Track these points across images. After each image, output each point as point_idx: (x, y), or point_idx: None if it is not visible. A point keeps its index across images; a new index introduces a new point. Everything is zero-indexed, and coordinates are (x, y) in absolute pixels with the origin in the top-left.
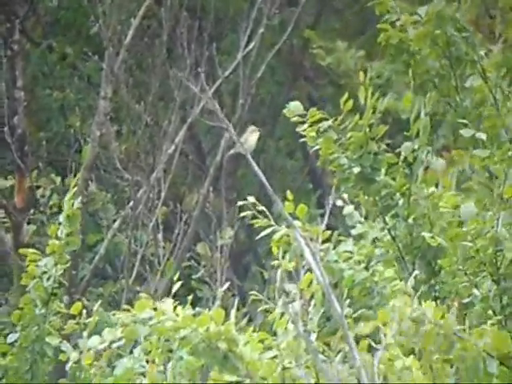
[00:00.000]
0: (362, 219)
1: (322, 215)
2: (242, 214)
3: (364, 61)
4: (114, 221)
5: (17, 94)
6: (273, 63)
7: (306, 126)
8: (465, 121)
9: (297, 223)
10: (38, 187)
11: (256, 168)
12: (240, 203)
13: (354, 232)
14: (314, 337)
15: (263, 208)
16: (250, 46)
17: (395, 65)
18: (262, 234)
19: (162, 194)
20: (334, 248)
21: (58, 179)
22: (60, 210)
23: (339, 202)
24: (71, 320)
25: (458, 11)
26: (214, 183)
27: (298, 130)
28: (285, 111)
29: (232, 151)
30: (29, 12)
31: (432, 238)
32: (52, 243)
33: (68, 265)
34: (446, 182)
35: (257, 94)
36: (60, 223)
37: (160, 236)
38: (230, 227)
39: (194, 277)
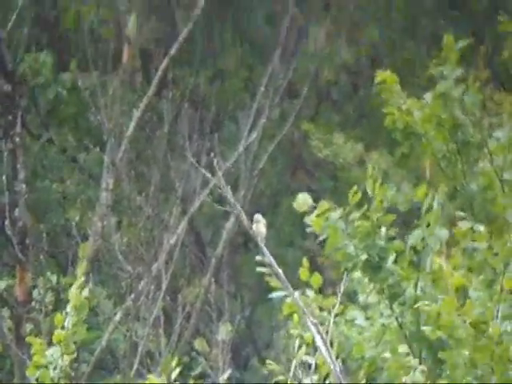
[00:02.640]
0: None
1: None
2: (259, 270)
3: (362, 153)
4: (114, 314)
5: (17, 187)
6: (273, 155)
7: (313, 216)
8: (462, 214)
9: (310, 293)
10: (35, 286)
11: (270, 257)
12: (257, 258)
13: (362, 300)
14: None
15: (279, 270)
16: (252, 137)
17: (393, 157)
18: (274, 295)
19: (163, 286)
20: (341, 314)
21: (54, 278)
22: (55, 309)
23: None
24: None
25: (465, 93)
26: (215, 275)
27: (305, 220)
28: (294, 204)
29: (256, 238)
30: (29, 104)
31: (433, 331)
32: (58, 333)
33: (75, 355)
34: (454, 260)
35: (257, 185)
36: (67, 313)
37: (160, 329)
38: (230, 321)
39: (193, 373)
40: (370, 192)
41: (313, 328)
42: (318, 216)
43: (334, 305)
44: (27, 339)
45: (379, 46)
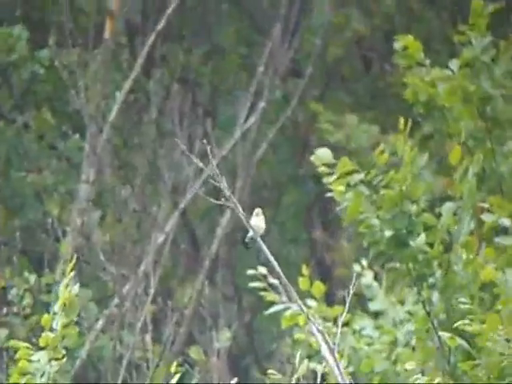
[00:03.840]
0: (381, 292)
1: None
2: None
3: (378, 136)
4: (97, 320)
5: None
6: (275, 140)
7: (333, 177)
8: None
9: (312, 303)
10: (8, 288)
11: (269, 255)
12: (250, 272)
13: (372, 307)
14: None
15: (274, 281)
16: (250, 122)
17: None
18: (273, 309)
19: (151, 290)
20: (347, 324)
21: (33, 278)
22: (33, 313)
23: (357, 268)
24: None
25: (495, 63)
26: (210, 276)
27: (325, 181)
28: (312, 158)
29: (249, 236)
30: (2, 85)
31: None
32: (46, 336)
33: (64, 360)
34: (488, 252)
35: (257, 174)
36: (54, 313)
37: (148, 337)
38: (228, 327)
39: None
40: (399, 154)
41: (319, 337)
42: (338, 178)
43: (340, 313)
44: (9, 343)
45: (395, 16)
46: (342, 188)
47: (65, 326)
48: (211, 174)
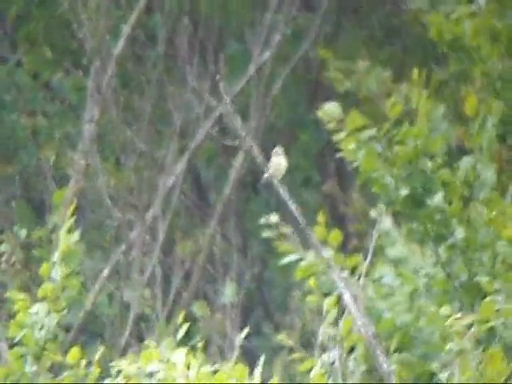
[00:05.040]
0: (402, 240)
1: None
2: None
3: (390, 83)
4: (100, 271)
5: None
6: (287, 81)
7: (343, 134)
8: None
9: (329, 252)
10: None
11: (287, 197)
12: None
13: (391, 253)
14: None
15: (289, 229)
16: (265, 56)
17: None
18: (287, 260)
19: (160, 236)
20: (367, 275)
21: (24, 232)
22: (24, 267)
23: (373, 214)
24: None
25: None
26: (220, 225)
27: (334, 138)
28: (319, 114)
29: (266, 175)
30: None
31: (489, 282)
32: (45, 287)
33: (65, 312)
34: (509, 208)
35: (270, 115)
36: (54, 263)
37: (157, 288)
38: (237, 281)
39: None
40: (414, 105)
41: (341, 283)
42: (348, 134)
43: (358, 263)
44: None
45: None
46: (352, 146)
47: (66, 277)
48: (224, 111)
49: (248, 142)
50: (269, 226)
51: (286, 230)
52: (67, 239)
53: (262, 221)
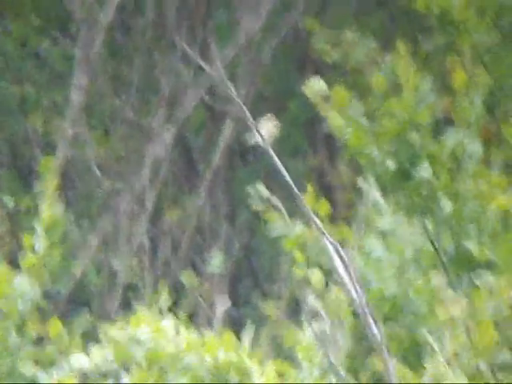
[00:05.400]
0: (390, 211)
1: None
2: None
3: (376, 53)
4: (82, 246)
5: None
6: (276, 50)
7: (330, 110)
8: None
9: (318, 222)
10: None
11: (279, 164)
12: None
13: (380, 226)
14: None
15: (277, 200)
16: (254, 27)
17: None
18: (275, 232)
19: (149, 206)
20: (356, 246)
21: (11, 201)
22: (12, 237)
23: (361, 183)
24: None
25: None
26: (208, 194)
27: (321, 113)
28: (303, 88)
29: (253, 141)
30: None
31: (481, 251)
32: (28, 257)
33: (48, 283)
34: (496, 180)
35: (259, 85)
36: (36, 234)
37: (146, 257)
38: (226, 250)
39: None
40: (401, 79)
41: (332, 249)
42: (335, 110)
43: (347, 234)
44: None
45: None
46: (339, 121)
47: (49, 248)
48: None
49: (239, 107)
50: (256, 197)
51: (274, 200)
52: (50, 210)
53: (250, 191)
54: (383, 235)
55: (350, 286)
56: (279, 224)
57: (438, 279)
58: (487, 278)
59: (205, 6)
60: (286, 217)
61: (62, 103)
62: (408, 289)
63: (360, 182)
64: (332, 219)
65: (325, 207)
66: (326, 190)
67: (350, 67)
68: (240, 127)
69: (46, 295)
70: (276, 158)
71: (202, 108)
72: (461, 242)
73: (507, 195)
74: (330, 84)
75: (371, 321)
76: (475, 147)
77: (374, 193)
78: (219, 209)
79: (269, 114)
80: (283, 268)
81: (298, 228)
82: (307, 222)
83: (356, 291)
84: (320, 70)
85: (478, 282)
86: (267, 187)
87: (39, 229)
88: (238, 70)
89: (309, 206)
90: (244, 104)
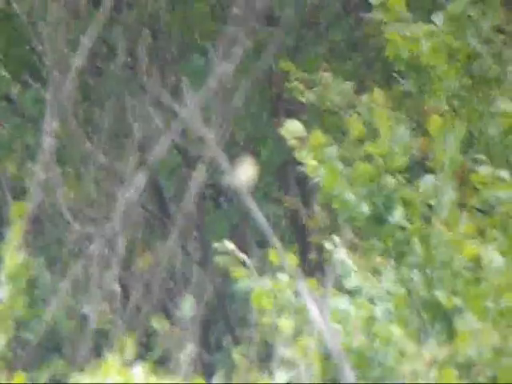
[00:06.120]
0: (355, 269)
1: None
2: (218, 261)
3: (352, 95)
4: (53, 291)
5: None
6: (249, 94)
7: (305, 152)
8: (483, 156)
9: (284, 276)
10: None
11: (256, 210)
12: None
13: (347, 284)
14: None
15: (243, 255)
16: (227, 68)
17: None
18: (241, 285)
19: (120, 250)
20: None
21: None
22: None
23: (328, 246)
24: None
25: (484, 16)
26: (180, 238)
27: (296, 156)
28: (282, 131)
29: (231, 183)
30: None
31: (448, 298)
32: None
33: (12, 334)
34: (468, 227)
35: (231, 129)
36: (0, 282)
37: (116, 303)
38: (198, 294)
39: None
40: (378, 125)
41: (306, 295)
42: (310, 152)
43: (314, 288)
44: None
45: None
46: (314, 163)
47: (12, 297)
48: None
49: (213, 150)
50: (223, 252)
51: (241, 255)
52: (14, 258)
53: (216, 246)
54: (351, 294)
55: (323, 329)
56: (245, 280)
57: (402, 331)
58: (467, 323)
59: (177, 49)
60: (253, 271)
61: (33, 147)
62: (375, 340)
63: (327, 244)
64: (305, 260)
65: (293, 260)
66: (300, 234)
67: (324, 109)
68: (212, 171)
69: (16, 342)
70: (253, 202)
71: (174, 152)
72: (433, 287)
73: (477, 242)
74: (306, 124)
75: (345, 365)
76: (448, 194)
77: (340, 254)
78: (191, 253)
79: (245, 157)
80: (255, 313)
81: (266, 282)
82: (276, 272)
83: (330, 334)
84: (293, 113)
85: (458, 326)
86: (240, 232)
87: (2, 277)
88: (210, 114)
89: (274, 260)
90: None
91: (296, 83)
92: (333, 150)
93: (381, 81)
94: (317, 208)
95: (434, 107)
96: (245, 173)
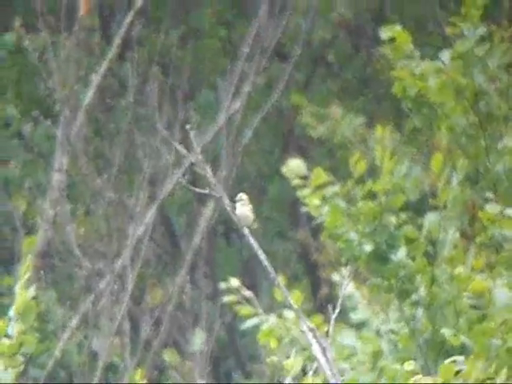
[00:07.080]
0: (364, 302)
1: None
2: (226, 300)
3: (363, 129)
4: (69, 319)
5: None
6: (259, 130)
7: (308, 191)
8: (490, 194)
9: (290, 313)
10: None
11: (257, 248)
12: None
13: (354, 317)
14: None
15: (250, 293)
16: (236, 106)
17: (400, 133)
18: (248, 323)
19: (129, 285)
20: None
21: None
22: None
23: (336, 278)
24: None
25: (489, 55)
26: (190, 273)
27: (299, 195)
28: (283, 171)
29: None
30: None
31: (454, 335)
32: (2, 343)
33: (22, 369)
34: (476, 263)
35: (241, 165)
36: (10, 319)
37: (126, 337)
38: (208, 329)
39: None
40: (378, 163)
41: (309, 335)
42: (313, 191)
43: (321, 324)
44: None
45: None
46: (317, 202)
47: (22, 333)
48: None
49: (218, 191)
50: (229, 290)
51: (247, 293)
52: (23, 294)
53: (222, 285)
54: (357, 327)
55: (327, 371)
56: (251, 318)
57: (411, 366)
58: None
59: (187, 86)
60: (259, 309)
61: (44, 183)
62: (382, 377)
63: (335, 276)
64: (316, 295)
65: (298, 298)
66: (311, 268)
67: (335, 143)
68: (223, 208)
69: (26, 376)
70: (253, 241)
71: (183, 188)
72: (436, 326)
73: (485, 276)
74: (314, 163)
75: None
76: (451, 232)
77: (348, 286)
78: (201, 288)
79: (241, 195)
80: (265, 348)
81: (271, 320)
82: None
83: (333, 373)
84: (303, 148)
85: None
86: (251, 268)
87: (12, 314)
88: (219, 151)
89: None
90: (224, 185)
91: (308, 117)
92: (335, 189)
93: (392, 115)
94: (326, 243)
95: (439, 144)
96: (245, 211)
